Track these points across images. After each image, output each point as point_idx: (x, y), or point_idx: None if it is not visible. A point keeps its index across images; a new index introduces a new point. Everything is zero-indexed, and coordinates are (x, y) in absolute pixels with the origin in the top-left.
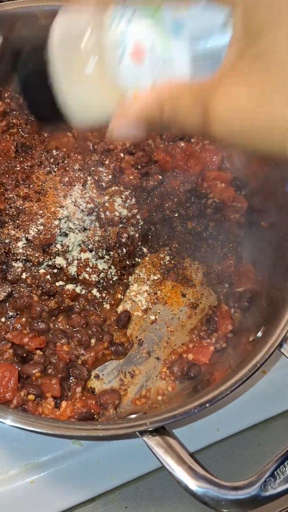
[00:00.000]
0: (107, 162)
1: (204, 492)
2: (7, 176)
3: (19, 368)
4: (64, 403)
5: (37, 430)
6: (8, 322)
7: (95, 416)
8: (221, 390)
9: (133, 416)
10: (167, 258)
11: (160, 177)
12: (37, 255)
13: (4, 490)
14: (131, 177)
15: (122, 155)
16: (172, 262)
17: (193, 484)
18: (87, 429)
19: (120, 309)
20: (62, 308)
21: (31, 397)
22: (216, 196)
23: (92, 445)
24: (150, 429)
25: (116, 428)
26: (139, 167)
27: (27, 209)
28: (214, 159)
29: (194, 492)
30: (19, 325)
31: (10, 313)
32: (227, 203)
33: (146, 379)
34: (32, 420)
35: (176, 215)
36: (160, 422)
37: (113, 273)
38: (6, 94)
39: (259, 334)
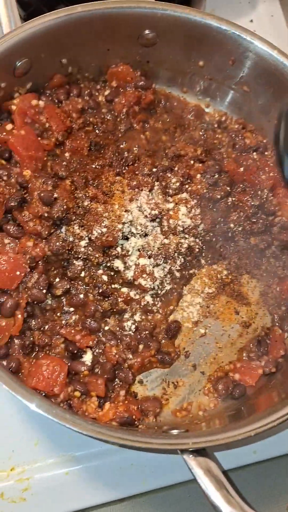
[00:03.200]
0: (176, 168)
1: None
2: (77, 174)
3: (69, 364)
4: (107, 405)
5: (84, 432)
6: (63, 317)
7: (136, 422)
8: (268, 421)
9: (175, 432)
10: (225, 272)
11: (228, 188)
12: (97, 255)
13: (40, 477)
14: (199, 186)
15: (192, 162)
16: (229, 277)
17: (227, 511)
18: (130, 439)
19: (171, 318)
20: (115, 310)
21: (77, 393)
22: (285, 215)
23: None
24: (192, 449)
25: (159, 443)
26: (208, 176)
27: (93, 209)
28: None
29: None
30: (72, 321)
31: (66, 309)
32: None
33: (189, 392)
34: (80, 421)
35: (240, 229)
36: (202, 444)
37: (168, 282)
38: (86, 92)
39: None
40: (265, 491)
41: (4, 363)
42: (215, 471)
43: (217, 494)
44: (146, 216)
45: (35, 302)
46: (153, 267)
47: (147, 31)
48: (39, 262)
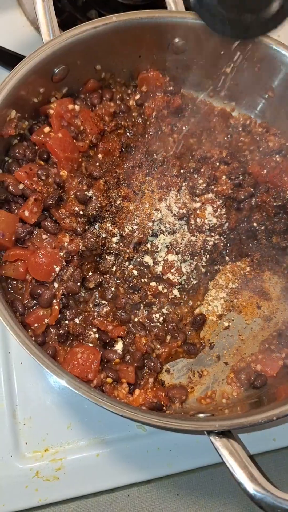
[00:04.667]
0: (202, 170)
1: (261, 498)
2: (110, 174)
3: (102, 352)
4: (137, 391)
5: (120, 414)
6: (95, 309)
7: (164, 407)
8: None
9: (201, 415)
10: (248, 268)
11: (252, 189)
12: (128, 251)
13: (73, 458)
14: (224, 187)
15: (217, 164)
16: (252, 273)
17: (251, 488)
18: (161, 420)
19: (196, 311)
20: (144, 303)
21: (109, 380)
22: None
23: (154, 433)
24: (218, 430)
25: (187, 424)
26: (233, 177)
27: (125, 208)
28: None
29: (252, 495)
30: (104, 313)
31: (98, 301)
32: None
33: (213, 381)
34: (116, 404)
35: (262, 228)
36: (228, 426)
37: (194, 277)
38: (118, 96)
39: None
40: (284, 477)
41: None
42: (240, 452)
43: (241, 472)
44: (174, 215)
45: (70, 294)
46: (180, 263)
47: (177, 39)
48: (74, 256)
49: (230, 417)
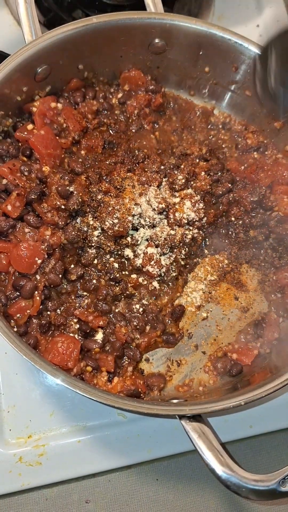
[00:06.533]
0: (182, 166)
1: (227, 477)
2: (92, 170)
3: (82, 342)
4: (116, 379)
5: (94, 398)
6: (77, 300)
7: (141, 395)
8: (258, 392)
9: (175, 401)
10: (226, 261)
11: (230, 185)
12: (109, 244)
13: (55, 444)
14: (203, 183)
15: (197, 160)
16: (230, 266)
17: (219, 469)
18: (134, 405)
19: (176, 302)
20: (125, 294)
21: (89, 368)
22: (281, 210)
23: (134, 420)
24: (189, 415)
25: (159, 409)
26: (212, 174)
27: (106, 203)
28: (285, 174)
29: (219, 475)
30: (85, 304)
31: (80, 293)
32: None
33: (191, 370)
34: (90, 389)
35: (240, 222)
36: (198, 411)
37: (173, 269)
38: (101, 94)
39: None
40: (260, 463)
41: (23, 340)
42: (210, 436)
43: (209, 454)
44: (154, 209)
45: (52, 286)
46: (160, 255)
47: (157, 40)
48: (56, 249)
49: (200, 402)
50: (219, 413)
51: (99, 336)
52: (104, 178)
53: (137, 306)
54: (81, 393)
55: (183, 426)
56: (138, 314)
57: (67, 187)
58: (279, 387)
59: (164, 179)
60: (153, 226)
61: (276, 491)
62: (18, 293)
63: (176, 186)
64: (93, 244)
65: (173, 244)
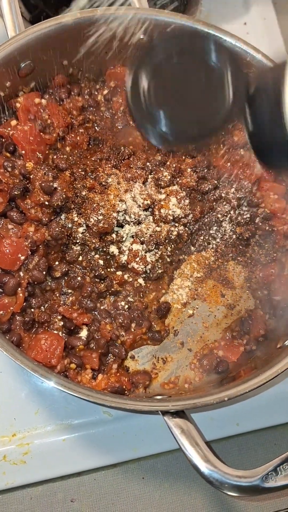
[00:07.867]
0: (168, 163)
1: (210, 473)
2: (77, 166)
3: (66, 339)
4: (100, 376)
5: (76, 395)
6: (61, 297)
7: (126, 392)
8: (241, 388)
9: (159, 397)
10: (212, 258)
11: (216, 182)
12: (94, 241)
13: (40, 442)
14: (189, 179)
15: (183, 157)
16: (216, 263)
17: (202, 465)
18: (117, 401)
19: (162, 299)
20: (110, 291)
21: (73, 365)
22: (267, 207)
23: (120, 418)
24: (172, 410)
25: (142, 405)
26: (198, 170)
27: (90, 199)
28: (271, 170)
29: (202, 471)
30: (70, 302)
31: (64, 290)
32: (277, 214)
33: (177, 367)
34: (73, 386)
35: (226, 219)
36: (181, 406)
37: (159, 266)
38: (86, 91)
39: (287, 342)
40: (246, 461)
41: (7, 337)
42: (193, 432)
43: (192, 450)
44: (139, 206)
45: (36, 283)
46: (145, 252)
47: (141, 36)
48: (40, 246)
49: (183, 398)
50: (203, 409)
51: (83, 333)
52: (89, 174)
53: (123, 303)
54: (62, 389)
55: (166, 422)
56: (124, 311)
57: (51, 183)
58: (263, 383)
59: (149, 176)
60: (138, 222)
61: (259, 487)
62: (1, 290)
63: (162, 183)
64: (77, 241)
65: (158, 241)
